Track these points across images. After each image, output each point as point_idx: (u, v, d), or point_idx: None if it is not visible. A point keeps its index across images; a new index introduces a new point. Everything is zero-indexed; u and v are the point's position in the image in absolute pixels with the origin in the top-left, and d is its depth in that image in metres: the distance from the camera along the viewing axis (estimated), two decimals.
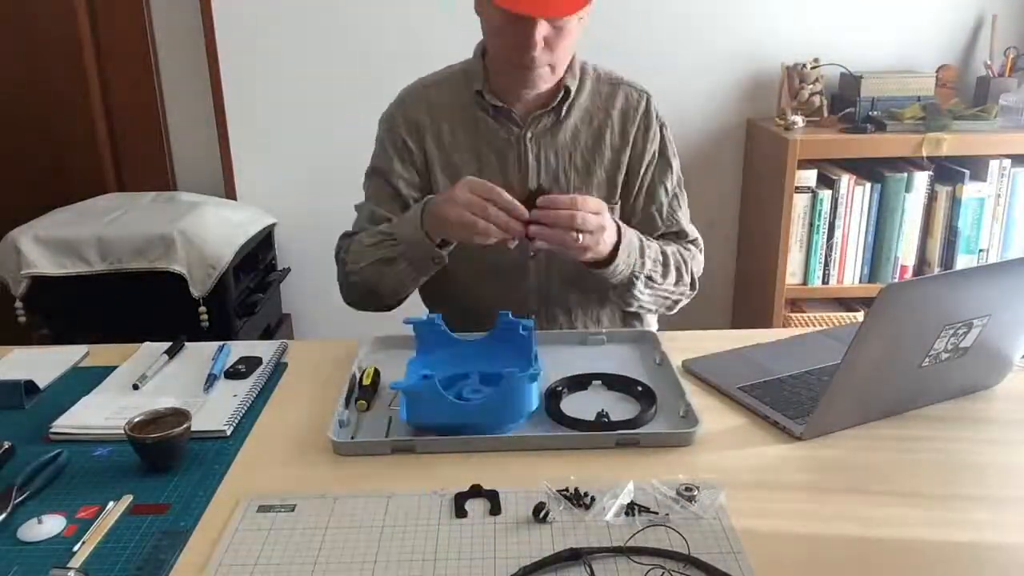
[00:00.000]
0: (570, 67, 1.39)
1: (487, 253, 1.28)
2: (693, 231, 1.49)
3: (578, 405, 1.12)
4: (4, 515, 0.91)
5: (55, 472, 1.00)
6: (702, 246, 1.49)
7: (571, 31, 1.30)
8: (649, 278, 1.35)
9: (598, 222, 1.21)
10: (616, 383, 1.18)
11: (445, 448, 1.02)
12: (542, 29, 1.25)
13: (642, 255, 1.32)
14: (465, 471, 0.97)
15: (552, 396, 1.13)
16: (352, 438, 1.05)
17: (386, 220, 1.40)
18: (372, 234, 1.37)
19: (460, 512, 0.90)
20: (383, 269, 1.34)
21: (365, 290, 1.39)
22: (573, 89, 1.39)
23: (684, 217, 1.48)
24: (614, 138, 1.42)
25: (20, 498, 0.94)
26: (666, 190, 1.46)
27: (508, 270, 1.41)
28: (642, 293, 1.36)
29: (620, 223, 1.30)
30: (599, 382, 1.18)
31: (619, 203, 1.44)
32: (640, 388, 1.15)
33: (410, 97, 1.45)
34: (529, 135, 1.39)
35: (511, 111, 1.38)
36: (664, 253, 1.38)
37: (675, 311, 1.47)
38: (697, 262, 1.46)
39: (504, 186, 1.21)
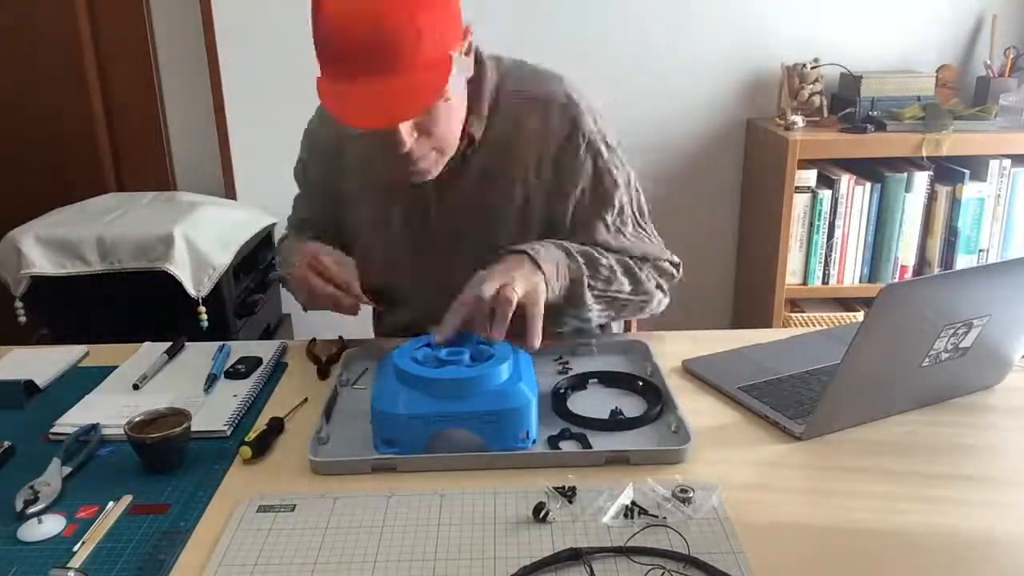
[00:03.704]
0: (476, 103, 1.21)
1: (423, 266, 1.29)
2: (654, 251, 1.33)
3: (585, 404, 1.11)
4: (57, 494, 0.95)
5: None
6: (668, 267, 1.35)
7: (447, 108, 1.12)
8: (593, 280, 1.23)
9: (493, 290, 1.07)
10: (614, 381, 1.18)
11: (426, 467, 0.98)
12: (406, 125, 1.08)
13: (574, 260, 1.20)
14: (458, 478, 0.97)
15: (557, 396, 1.12)
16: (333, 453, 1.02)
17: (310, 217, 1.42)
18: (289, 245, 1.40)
19: None
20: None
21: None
22: (479, 136, 1.23)
23: (634, 248, 1.31)
24: (526, 174, 1.25)
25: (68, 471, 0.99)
26: (606, 226, 1.28)
27: (457, 283, 1.15)
28: (591, 305, 1.24)
29: (524, 246, 1.17)
30: (596, 380, 1.18)
31: (536, 237, 1.26)
32: (641, 383, 1.15)
33: (323, 119, 1.36)
34: (429, 185, 1.23)
35: None
36: (595, 256, 1.24)
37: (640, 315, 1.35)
38: (654, 271, 1.32)
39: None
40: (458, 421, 0.99)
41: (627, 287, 1.27)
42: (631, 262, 1.29)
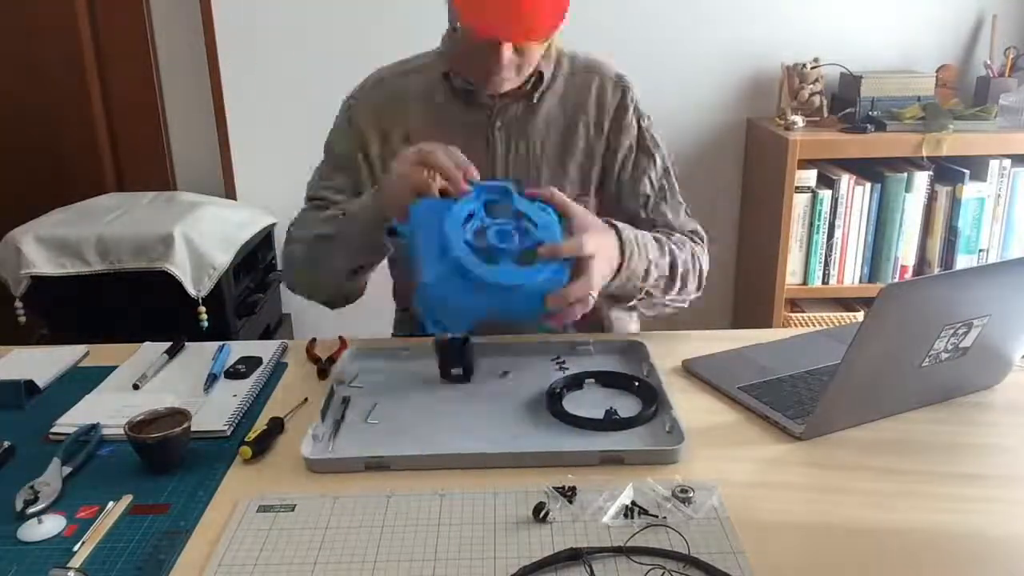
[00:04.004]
0: (546, 51, 1.32)
1: None
2: (689, 223, 1.41)
3: (579, 404, 1.11)
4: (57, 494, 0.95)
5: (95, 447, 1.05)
6: (704, 239, 1.41)
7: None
8: (654, 288, 1.27)
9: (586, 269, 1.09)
10: (610, 381, 1.18)
11: (419, 465, 0.99)
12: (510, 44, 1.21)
13: (647, 277, 1.23)
14: (458, 478, 0.97)
15: (552, 396, 1.12)
16: (330, 451, 1.03)
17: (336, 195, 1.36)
18: (324, 215, 1.32)
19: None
20: (322, 246, 1.28)
21: (301, 264, 1.34)
22: (548, 75, 1.34)
23: (672, 210, 1.40)
24: (588, 129, 1.37)
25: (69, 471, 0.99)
26: (650, 181, 1.39)
27: None
28: (649, 293, 1.26)
29: (616, 224, 1.21)
30: (592, 380, 1.18)
31: (592, 198, 1.38)
32: (637, 384, 1.15)
33: (376, 87, 1.39)
34: (498, 123, 1.34)
35: (479, 96, 1.32)
36: (673, 255, 1.28)
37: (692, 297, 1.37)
38: (704, 259, 1.38)
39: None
40: (505, 315, 1.08)
41: (683, 256, 1.31)
42: (676, 238, 1.34)
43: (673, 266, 1.28)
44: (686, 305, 1.36)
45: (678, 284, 1.30)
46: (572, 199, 1.19)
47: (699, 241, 1.40)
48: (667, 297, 1.30)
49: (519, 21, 1.15)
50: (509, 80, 1.27)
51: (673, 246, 1.30)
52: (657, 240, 1.28)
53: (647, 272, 1.23)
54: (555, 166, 1.37)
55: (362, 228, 1.24)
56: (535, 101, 1.34)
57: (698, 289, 1.36)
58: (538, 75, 1.32)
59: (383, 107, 1.37)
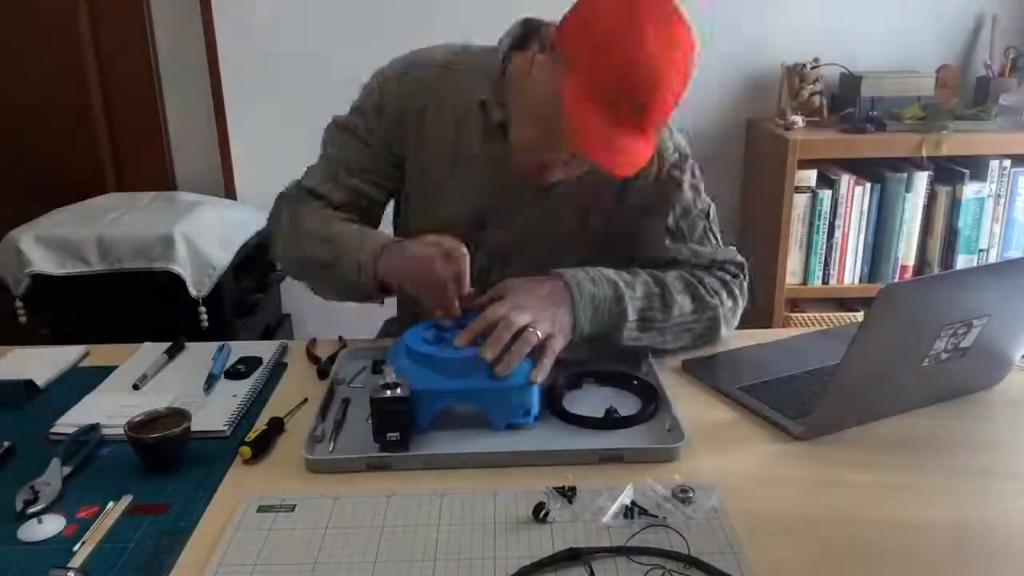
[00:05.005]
0: None
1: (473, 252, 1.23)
2: (714, 256, 1.28)
3: (580, 402, 1.11)
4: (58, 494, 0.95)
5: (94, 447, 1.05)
6: (743, 268, 1.31)
7: None
8: (644, 319, 1.19)
9: (520, 318, 1.05)
10: (609, 380, 1.18)
11: (420, 465, 0.99)
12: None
13: (620, 302, 1.16)
14: (458, 478, 0.97)
15: (552, 395, 1.12)
16: (331, 451, 1.02)
17: (349, 187, 1.29)
18: (324, 221, 1.25)
19: None
20: (317, 272, 1.25)
21: (294, 270, 1.33)
22: None
23: (696, 249, 1.28)
24: (618, 191, 1.26)
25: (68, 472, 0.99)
26: (666, 227, 1.27)
27: (492, 281, 1.19)
28: (639, 338, 1.19)
29: (569, 277, 1.15)
30: (592, 379, 1.18)
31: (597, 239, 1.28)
32: (636, 382, 1.15)
33: (415, 71, 1.28)
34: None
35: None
36: (662, 284, 1.21)
37: (722, 334, 1.28)
38: (719, 280, 1.27)
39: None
40: (464, 397, 1.04)
41: (688, 308, 1.22)
42: (694, 280, 1.24)
43: (662, 284, 1.21)
44: (726, 323, 1.28)
45: (679, 302, 1.21)
46: (582, 262, 1.18)
47: (733, 273, 1.29)
48: (673, 317, 1.20)
49: (633, 157, 1.06)
50: (555, 176, 1.18)
51: (652, 275, 1.22)
52: (627, 273, 1.21)
53: (619, 298, 1.16)
54: (574, 220, 1.28)
55: (358, 281, 1.18)
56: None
57: (732, 304, 1.27)
58: None
59: (413, 101, 1.27)
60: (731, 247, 1.32)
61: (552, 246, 1.28)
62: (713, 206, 1.32)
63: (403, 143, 1.29)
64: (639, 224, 1.29)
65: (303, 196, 1.32)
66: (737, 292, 1.29)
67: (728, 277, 1.28)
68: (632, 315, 1.17)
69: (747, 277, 1.32)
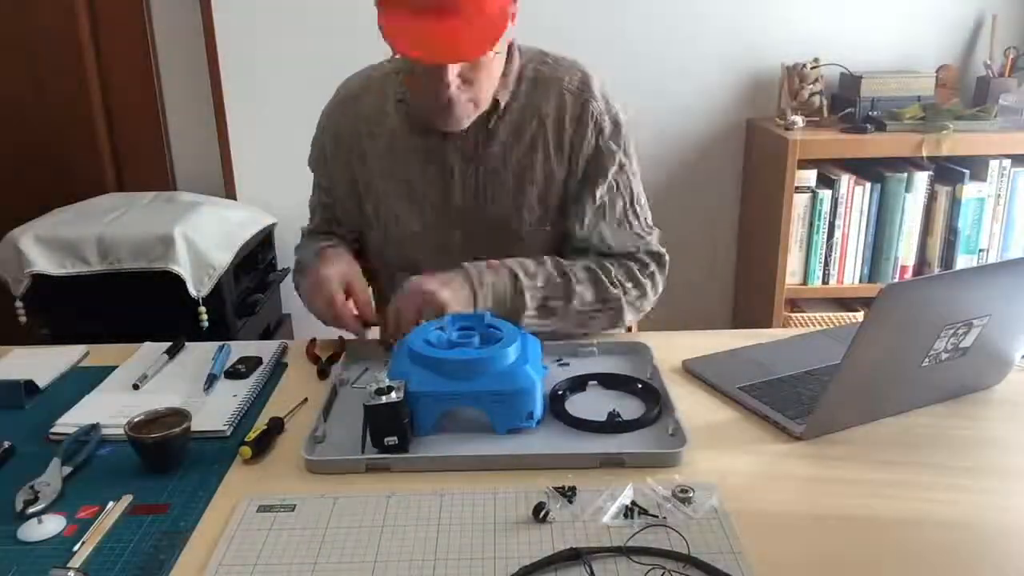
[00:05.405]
0: (505, 74, 1.26)
1: (406, 248, 1.35)
2: (634, 243, 1.34)
3: (583, 406, 1.11)
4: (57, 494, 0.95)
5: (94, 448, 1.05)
6: (661, 259, 1.35)
7: (492, 62, 1.19)
8: (543, 307, 1.26)
9: (422, 301, 1.18)
10: (613, 383, 1.18)
11: (420, 467, 0.99)
12: (454, 67, 1.14)
13: (519, 291, 1.23)
14: (455, 477, 0.97)
15: (555, 398, 1.12)
16: (331, 450, 1.02)
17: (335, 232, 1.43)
18: (307, 251, 1.40)
19: None
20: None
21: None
22: (504, 103, 1.27)
23: (610, 229, 1.33)
24: (548, 151, 1.29)
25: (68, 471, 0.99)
26: (593, 199, 1.31)
27: (435, 260, 1.29)
28: (544, 324, 1.26)
29: (471, 269, 1.23)
30: (595, 382, 1.18)
31: (550, 229, 1.33)
32: (640, 385, 1.15)
33: (341, 104, 1.39)
34: (454, 149, 1.29)
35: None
36: (564, 274, 1.27)
37: (627, 320, 1.33)
38: (626, 271, 1.32)
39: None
40: (466, 399, 1.04)
41: (589, 298, 1.29)
42: (599, 270, 1.30)
43: (565, 275, 1.27)
44: (632, 311, 1.33)
45: (580, 291, 1.27)
46: (530, 230, 1.31)
47: (644, 263, 1.34)
48: (573, 305, 1.27)
49: (442, 41, 1.10)
50: (467, 115, 1.22)
51: (557, 265, 1.28)
52: (533, 263, 1.27)
53: (518, 289, 1.24)
54: (515, 193, 1.31)
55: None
56: (490, 127, 1.28)
57: (635, 297, 1.32)
58: (494, 103, 1.26)
59: (345, 130, 1.37)
60: (652, 235, 1.37)
61: (503, 233, 1.33)
62: (642, 191, 1.37)
63: (349, 165, 1.37)
64: (577, 195, 1.33)
65: (307, 235, 1.48)
66: (645, 281, 1.33)
67: (636, 268, 1.33)
68: (531, 303, 1.25)
69: (663, 266, 1.36)
